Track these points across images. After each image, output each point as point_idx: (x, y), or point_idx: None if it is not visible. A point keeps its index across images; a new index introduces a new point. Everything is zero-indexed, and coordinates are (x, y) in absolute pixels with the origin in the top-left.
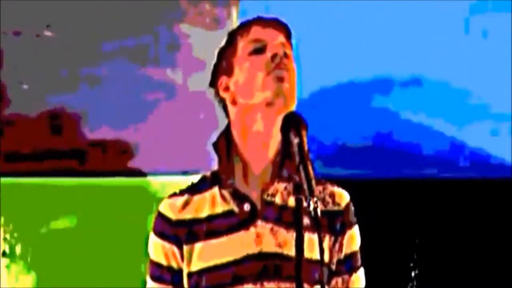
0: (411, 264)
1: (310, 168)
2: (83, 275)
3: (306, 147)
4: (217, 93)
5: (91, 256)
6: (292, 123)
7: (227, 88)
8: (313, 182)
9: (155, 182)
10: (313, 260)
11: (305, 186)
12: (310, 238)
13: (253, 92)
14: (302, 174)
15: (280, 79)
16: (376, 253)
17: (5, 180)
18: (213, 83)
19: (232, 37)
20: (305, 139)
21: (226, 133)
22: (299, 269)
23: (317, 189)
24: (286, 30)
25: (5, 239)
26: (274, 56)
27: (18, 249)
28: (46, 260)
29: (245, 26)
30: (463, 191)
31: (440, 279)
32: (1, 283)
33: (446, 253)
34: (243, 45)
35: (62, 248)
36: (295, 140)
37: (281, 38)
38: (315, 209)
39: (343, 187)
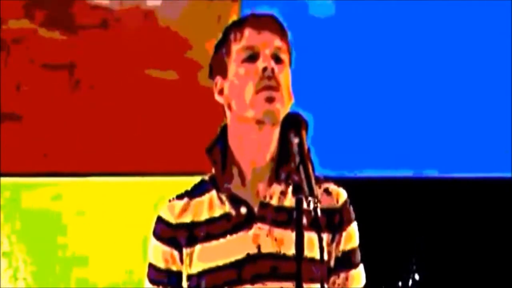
0: (411, 264)
1: (310, 168)
2: (83, 275)
3: (306, 147)
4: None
5: (91, 256)
6: (292, 123)
7: (221, 91)
8: (313, 182)
9: (155, 182)
10: (312, 259)
11: (305, 186)
12: (309, 237)
13: (244, 106)
14: (302, 174)
15: (270, 100)
16: (375, 254)
17: (5, 180)
18: (211, 78)
19: (227, 35)
20: (305, 139)
21: (222, 136)
22: (299, 268)
23: (315, 187)
24: (281, 31)
25: (5, 239)
26: (264, 70)
27: (18, 249)
28: (46, 260)
29: (239, 27)
30: (463, 191)
31: (440, 278)
32: (1, 283)
33: (446, 253)
34: (237, 50)
35: (62, 248)
36: (295, 140)
37: (277, 41)
38: (315, 209)
39: (343, 187)
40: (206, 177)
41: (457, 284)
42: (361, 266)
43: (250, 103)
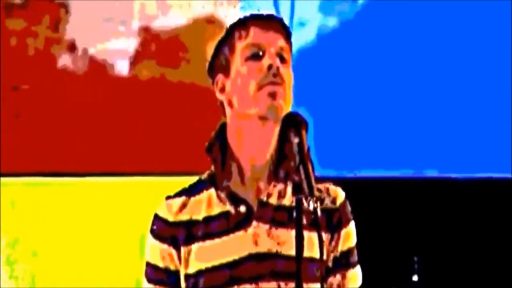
0: (411, 264)
1: (310, 167)
2: (82, 275)
3: (306, 147)
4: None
5: (90, 256)
6: (292, 123)
7: (223, 89)
8: (313, 181)
9: (155, 182)
10: (311, 258)
11: (305, 186)
12: (309, 237)
13: (247, 102)
14: (302, 174)
15: (273, 95)
16: (375, 254)
17: (5, 180)
18: (210, 76)
19: (230, 34)
20: (305, 139)
21: (221, 134)
22: (299, 268)
23: (315, 187)
24: (286, 31)
25: (4, 239)
26: (270, 67)
27: (17, 249)
28: (45, 259)
29: (244, 25)
30: (464, 191)
31: (440, 278)
32: (1, 283)
33: (446, 253)
34: (241, 48)
35: (61, 248)
36: (295, 140)
37: (281, 41)
38: (315, 208)
39: (343, 187)
40: (204, 176)
41: (457, 283)
42: (358, 266)
43: (253, 99)
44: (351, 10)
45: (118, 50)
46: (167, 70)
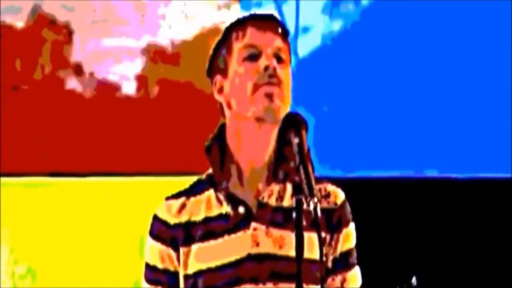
0: (411, 264)
1: (310, 168)
2: (82, 275)
3: (306, 147)
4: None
5: (90, 256)
6: (292, 123)
7: (221, 90)
8: (313, 182)
9: (155, 182)
10: (311, 259)
11: (305, 187)
12: (309, 238)
13: (244, 104)
14: (302, 174)
15: (269, 96)
16: (375, 254)
17: (5, 180)
18: (209, 77)
19: (228, 35)
20: (305, 139)
21: (220, 135)
22: (300, 269)
23: (315, 187)
24: (283, 31)
25: (4, 238)
26: (266, 68)
27: (17, 249)
28: (46, 259)
29: (241, 25)
30: (464, 191)
31: (440, 278)
32: (0, 283)
33: (445, 253)
34: (239, 48)
35: (61, 248)
36: (295, 140)
37: (278, 41)
38: (315, 209)
39: (343, 187)
40: (204, 176)
41: (457, 283)
42: (357, 267)
43: (250, 100)
44: (353, 11)
45: (120, 48)
46: (167, 69)
